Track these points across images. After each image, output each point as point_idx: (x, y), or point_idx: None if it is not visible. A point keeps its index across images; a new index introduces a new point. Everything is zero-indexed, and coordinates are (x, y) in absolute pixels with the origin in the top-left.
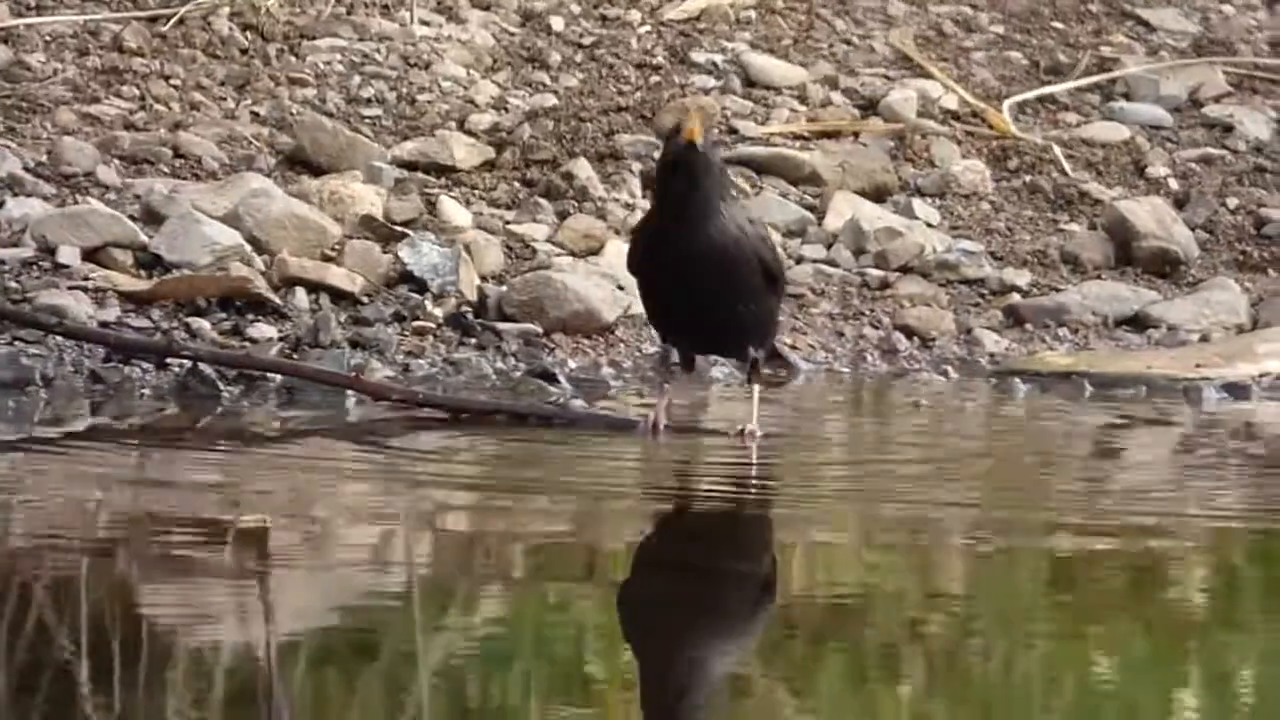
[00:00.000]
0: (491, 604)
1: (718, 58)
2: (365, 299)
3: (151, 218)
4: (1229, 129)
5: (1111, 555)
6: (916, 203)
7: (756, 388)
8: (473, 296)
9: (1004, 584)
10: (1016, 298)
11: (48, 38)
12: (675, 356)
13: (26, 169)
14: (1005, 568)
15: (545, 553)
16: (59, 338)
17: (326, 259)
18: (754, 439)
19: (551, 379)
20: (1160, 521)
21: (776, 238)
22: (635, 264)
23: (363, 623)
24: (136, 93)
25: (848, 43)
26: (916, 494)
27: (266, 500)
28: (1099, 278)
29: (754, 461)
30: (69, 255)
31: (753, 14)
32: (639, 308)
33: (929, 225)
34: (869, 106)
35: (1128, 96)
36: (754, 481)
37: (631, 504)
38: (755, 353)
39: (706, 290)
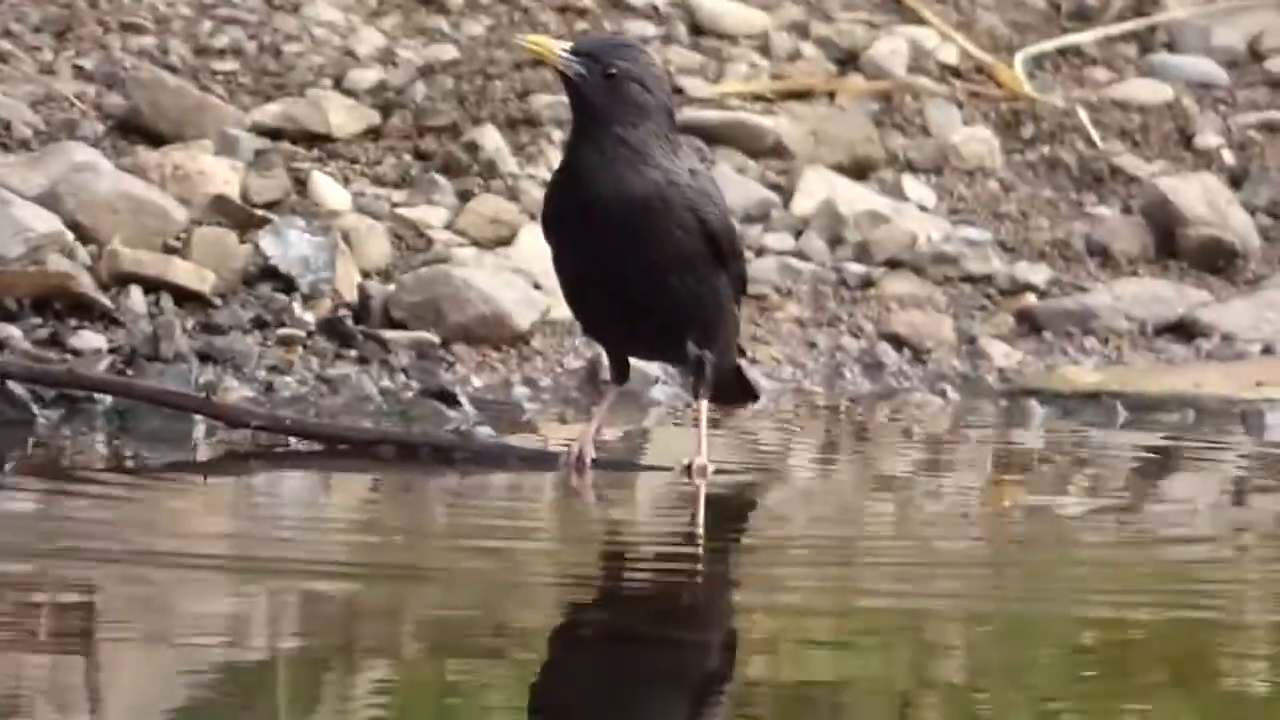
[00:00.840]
0: (372, 690)
1: None
2: (218, 301)
3: None
4: None
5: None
6: (907, 180)
7: (704, 405)
8: (352, 297)
9: (1011, 683)
10: (1032, 299)
11: None
12: (605, 365)
13: None
14: (1014, 670)
15: (438, 625)
16: None
17: (169, 251)
18: (703, 476)
19: (451, 400)
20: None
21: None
22: (544, 225)
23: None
24: None
25: None
26: (904, 556)
27: (89, 563)
28: (1135, 274)
29: (700, 507)
30: None
31: None
32: (561, 311)
33: (922, 208)
34: (847, 60)
35: (1171, 47)
36: (699, 533)
37: (547, 561)
38: (699, 352)
39: (625, 257)
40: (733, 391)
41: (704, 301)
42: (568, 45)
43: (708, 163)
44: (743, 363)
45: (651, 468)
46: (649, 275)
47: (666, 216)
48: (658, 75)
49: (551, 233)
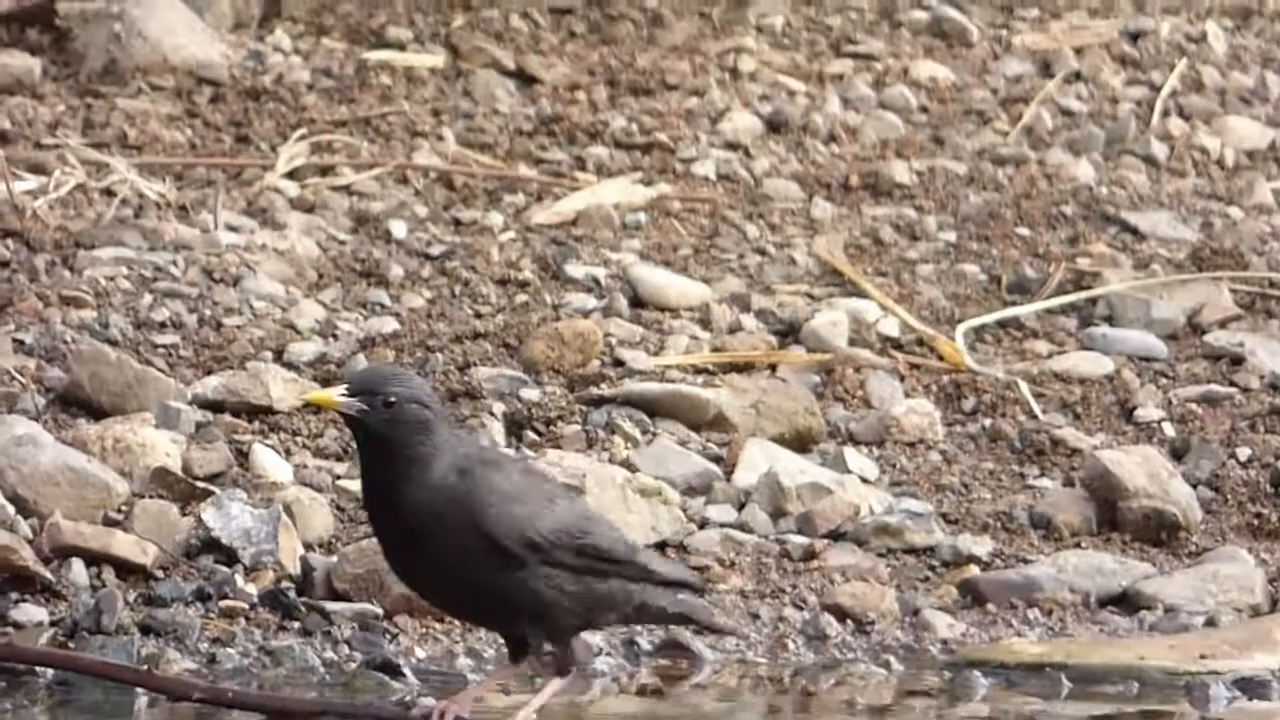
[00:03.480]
0: None
1: (599, 271)
2: (160, 573)
3: None
4: (1238, 361)
5: None
6: (849, 452)
7: (555, 684)
8: (295, 569)
9: None
10: (975, 571)
11: None
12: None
13: None
14: None
15: None
16: None
17: (111, 523)
18: None
19: (395, 672)
20: None
21: (674, 495)
22: None
23: None
24: None
25: (761, 252)
26: None
27: None
28: (1078, 546)
29: None
30: None
31: (642, 217)
32: None
33: (865, 480)
34: (788, 333)
35: (1111, 320)
36: None
37: None
38: (531, 634)
39: (426, 561)
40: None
41: (509, 594)
42: (342, 388)
43: (650, 434)
44: (690, 577)
45: None
46: (447, 572)
47: (446, 523)
48: (428, 390)
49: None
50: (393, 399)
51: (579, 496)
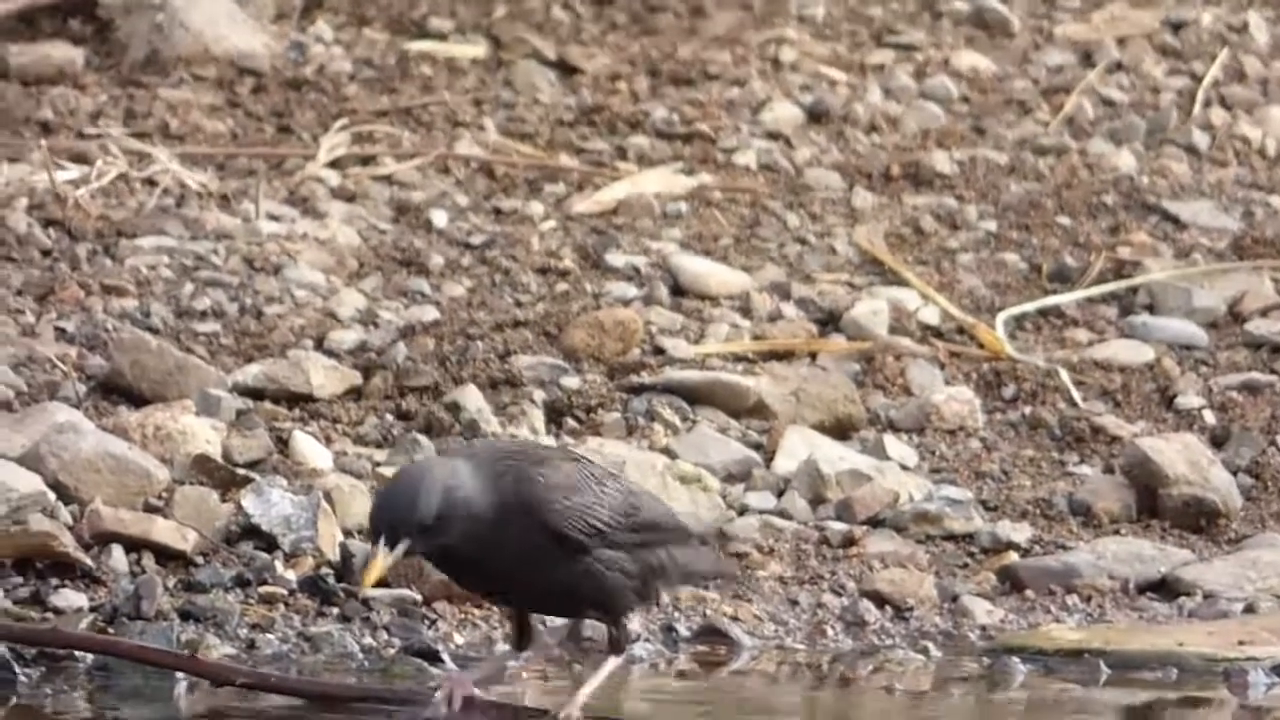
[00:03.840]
0: None
1: (640, 260)
2: (200, 559)
3: None
4: (1278, 349)
5: None
6: (889, 440)
7: (612, 662)
8: (334, 556)
9: None
10: (1014, 558)
11: None
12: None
13: None
14: None
15: None
16: None
17: (151, 510)
18: None
19: (433, 658)
20: None
21: (714, 482)
22: None
23: None
24: None
25: (802, 241)
26: None
27: None
28: (1117, 533)
29: None
30: None
31: (683, 206)
32: None
33: (904, 468)
34: (829, 321)
35: (1152, 309)
36: None
37: None
38: (596, 616)
39: (497, 570)
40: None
41: (581, 580)
42: (384, 549)
43: (690, 422)
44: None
45: (528, 710)
46: (520, 576)
47: (511, 531)
48: (439, 486)
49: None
50: (427, 524)
51: (619, 474)
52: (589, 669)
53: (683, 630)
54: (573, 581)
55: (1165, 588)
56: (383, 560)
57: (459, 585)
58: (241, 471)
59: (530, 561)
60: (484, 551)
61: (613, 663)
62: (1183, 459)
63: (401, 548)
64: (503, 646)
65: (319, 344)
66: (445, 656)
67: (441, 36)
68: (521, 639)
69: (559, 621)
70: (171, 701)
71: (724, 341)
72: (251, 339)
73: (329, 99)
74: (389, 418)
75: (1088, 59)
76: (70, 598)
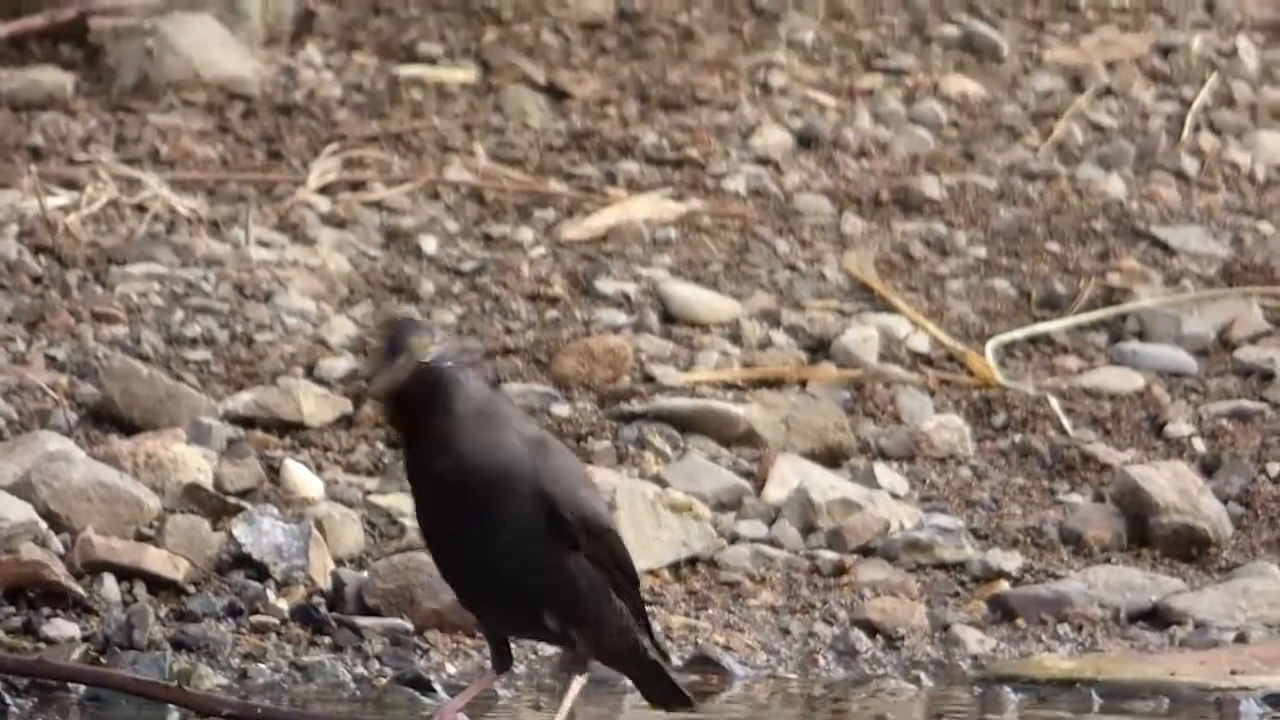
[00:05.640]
0: None
1: (630, 287)
2: (191, 588)
3: None
4: (1268, 376)
5: None
6: (879, 468)
7: (577, 683)
8: (326, 585)
9: None
10: (1005, 586)
11: None
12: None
13: None
14: None
15: None
16: None
17: (142, 539)
18: None
19: (425, 687)
20: None
21: (704, 511)
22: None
23: None
24: None
25: (792, 268)
26: None
27: None
28: (1108, 561)
29: None
30: None
31: (673, 232)
32: None
33: (895, 496)
34: (819, 348)
35: (1142, 336)
36: None
37: None
38: (564, 627)
39: (468, 518)
40: (665, 695)
41: (550, 572)
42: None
43: (680, 449)
44: (669, 668)
45: None
46: (489, 537)
47: (509, 483)
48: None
49: (412, 495)
50: (440, 355)
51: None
52: (472, 689)
53: (675, 659)
54: (549, 573)
55: (1157, 616)
56: (397, 367)
57: (433, 554)
58: (233, 500)
59: (513, 533)
60: (473, 507)
61: (579, 682)
62: (1173, 487)
63: (442, 353)
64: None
65: (309, 372)
66: (437, 686)
67: (431, 61)
68: (501, 660)
69: (550, 650)
70: None
71: (714, 369)
72: (242, 366)
73: (319, 124)
74: (380, 446)
75: (1077, 84)
76: (62, 627)
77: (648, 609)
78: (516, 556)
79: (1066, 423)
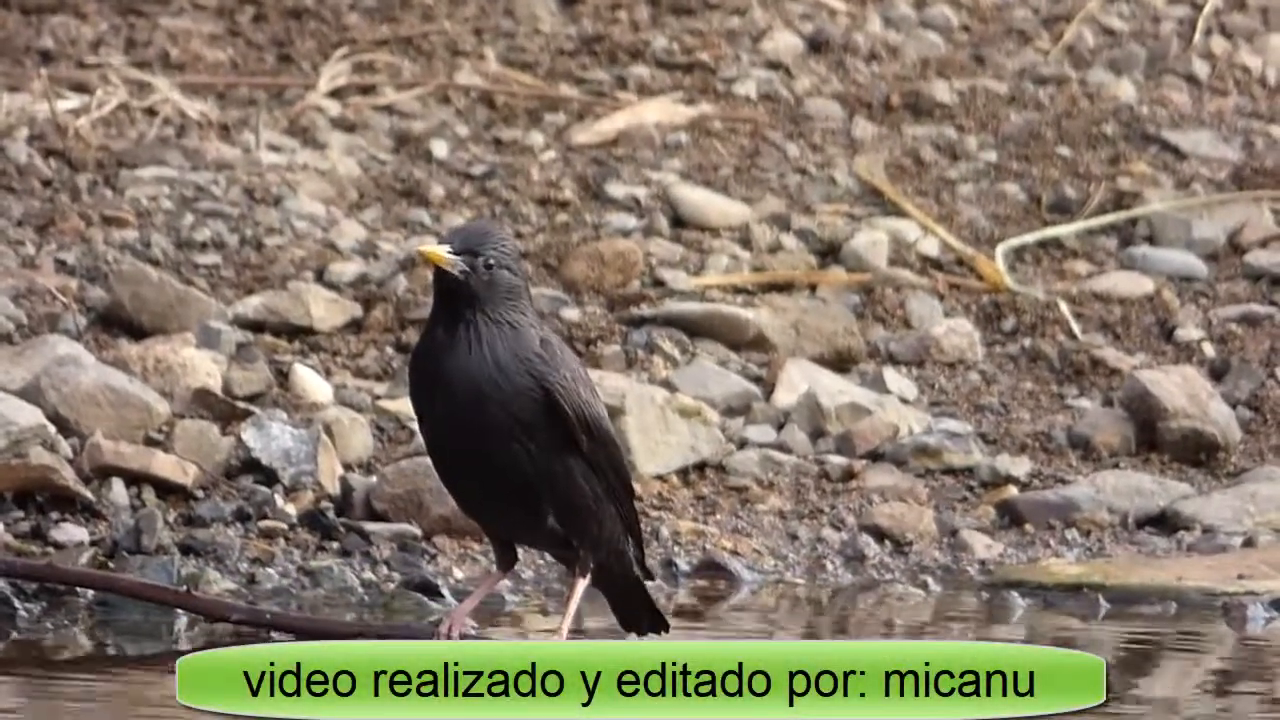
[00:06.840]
0: None
1: (640, 191)
2: (200, 493)
3: None
4: (1278, 281)
5: None
6: (888, 373)
7: (581, 584)
8: (334, 490)
9: None
10: (1013, 491)
11: None
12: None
13: None
14: None
15: None
16: None
17: (151, 443)
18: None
19: (433, 592)
20: None
21: (713, 416)
22: (410, 397)
23: None
24: None
25: (802, 172)
26: None
27: None
28: (1116, 466)
29: None
30: None
31: (683, 137)
32: None
33: (904, 401)
34: (828, 252)
35: (1152, 240)
36: None
37: None
38: (564, 531)
39: (471, 424)
40: (641, 617)
41: (555, 475)
42: (446, 247)
43: (689, 354)
44: (650, 588)
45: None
46: (493, 441)
47: (520, 392)
48: (518, 255)
49: (414, 402)
50: (491, 262)
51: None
52: (479, 592)
53: (682, 565)
54: (551, 473)
55: (1164, 521)
56: (444, 251)
57: (435, 462)
58: (242, 405)
59: (520, 436)
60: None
61: (581, 585)
62: (1182, 392)
63: (458, 261)
64: (502, 581)
65: (319, 276)
66: (445, 591)
67: None
68: (505, 557)
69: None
70: (171, 637)
71: (723, 273)
72: (252, 271)
73: (330, 28)
74: (389, 350)
75: None
76: (71, 532)
77: (655, 516)
78: (518, 453)
79: (1076, 327)
